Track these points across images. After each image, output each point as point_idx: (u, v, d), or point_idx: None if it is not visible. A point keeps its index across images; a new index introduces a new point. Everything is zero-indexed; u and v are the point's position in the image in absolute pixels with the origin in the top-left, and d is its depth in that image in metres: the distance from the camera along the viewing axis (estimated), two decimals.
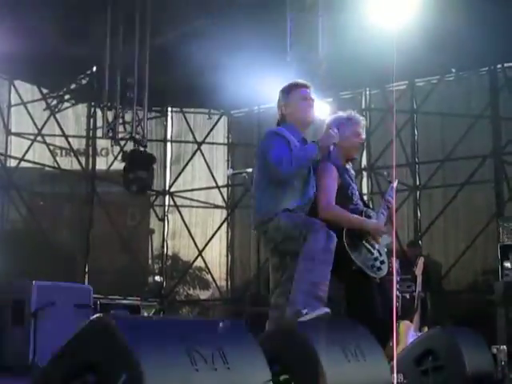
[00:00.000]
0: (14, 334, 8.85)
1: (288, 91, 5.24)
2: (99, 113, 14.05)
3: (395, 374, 5.37)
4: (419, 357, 5.72)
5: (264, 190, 5.00)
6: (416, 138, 15.46)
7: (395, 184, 5.54)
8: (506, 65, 14.54)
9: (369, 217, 5.18)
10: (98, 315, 3.03)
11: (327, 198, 5.04)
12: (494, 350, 6.81)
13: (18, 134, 15.62)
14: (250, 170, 6.00)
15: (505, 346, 7.14)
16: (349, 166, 5.42)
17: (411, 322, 9.30)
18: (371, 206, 5.35)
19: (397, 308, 9.05)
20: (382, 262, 5.08)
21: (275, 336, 4.02)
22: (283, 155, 4.87)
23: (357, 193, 5.32)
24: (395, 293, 9.02)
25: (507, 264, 10.65)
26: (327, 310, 4.51)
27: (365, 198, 5.69)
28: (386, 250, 5.19)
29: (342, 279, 4.98)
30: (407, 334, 9.07)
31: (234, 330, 3.55)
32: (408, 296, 9.70)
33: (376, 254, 5.06)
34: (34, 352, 8.44)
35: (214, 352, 3.14)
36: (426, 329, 8.88)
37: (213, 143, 17.81)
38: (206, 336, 3.23)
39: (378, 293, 5.02)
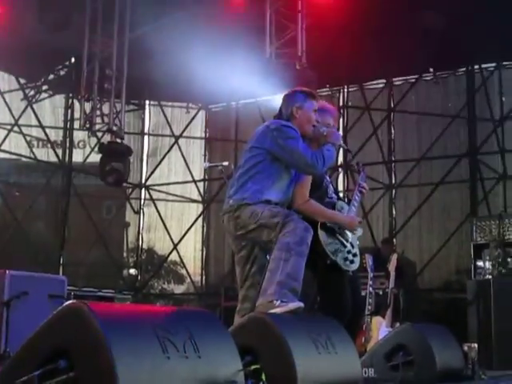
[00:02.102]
0: None
1: (306, 97, 5.14)
2: (77, 104, 14.01)
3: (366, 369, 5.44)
4: (390, 352, 5.79)
5: (253, 176, 4.89)
6: (393, 136, 15.57)
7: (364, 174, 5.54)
8: (483, 66, 14.65)
9: (341, 209, 5.18)
10: (70, 301, 3.04)
11: (302, 191, 5.05)
12: (466, 348, 6.89)
13: None
14: (226, 163, 5.97)
15: (476, 344, 7.24)
16: None
17: (383, 317, 9.39)
18: (346, 201, 5.31)
19: (369, 304, 9.18)
20: (355, 255, 5.07)
21: (247, 327, 4.03)
22: (310, 151, 4.84)
23: (331, 186, 5.33)
24: (368, 289, 9.13)
25: (480, 263, 10.72)
26: (301, 304, 4.44)
27: (340, 194, 5.66)
28: (358, 242, 5.21)
29: (315, 272, 4.99)
30: (379, 329, 9.15)
31: (205, 319, 3.57)
32: (381, 292, 9.78)
33: (349, 246, 5.04)
34: (6, 341, 8.40)
35: (185, 341, 3.16)
36: (397, 325, 8.95)
37: (190, 137, 17.80)
38: (178, 325, 3.24)
39: (349, 287, 5.04)
